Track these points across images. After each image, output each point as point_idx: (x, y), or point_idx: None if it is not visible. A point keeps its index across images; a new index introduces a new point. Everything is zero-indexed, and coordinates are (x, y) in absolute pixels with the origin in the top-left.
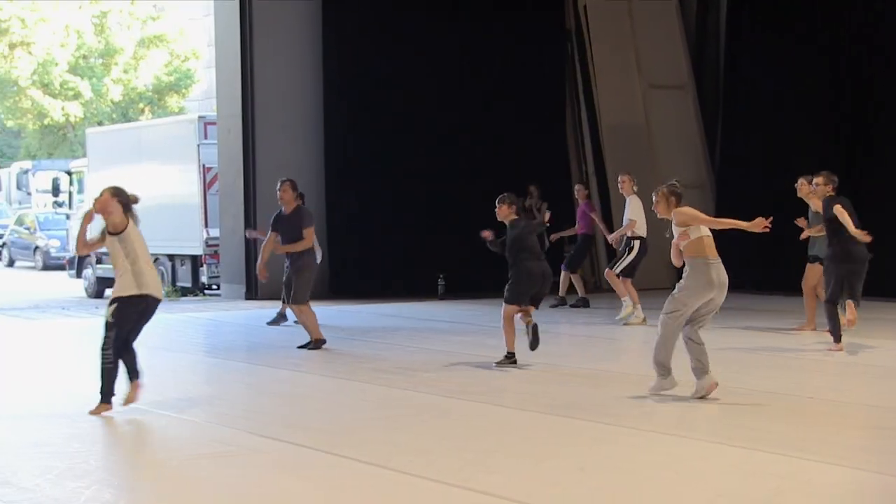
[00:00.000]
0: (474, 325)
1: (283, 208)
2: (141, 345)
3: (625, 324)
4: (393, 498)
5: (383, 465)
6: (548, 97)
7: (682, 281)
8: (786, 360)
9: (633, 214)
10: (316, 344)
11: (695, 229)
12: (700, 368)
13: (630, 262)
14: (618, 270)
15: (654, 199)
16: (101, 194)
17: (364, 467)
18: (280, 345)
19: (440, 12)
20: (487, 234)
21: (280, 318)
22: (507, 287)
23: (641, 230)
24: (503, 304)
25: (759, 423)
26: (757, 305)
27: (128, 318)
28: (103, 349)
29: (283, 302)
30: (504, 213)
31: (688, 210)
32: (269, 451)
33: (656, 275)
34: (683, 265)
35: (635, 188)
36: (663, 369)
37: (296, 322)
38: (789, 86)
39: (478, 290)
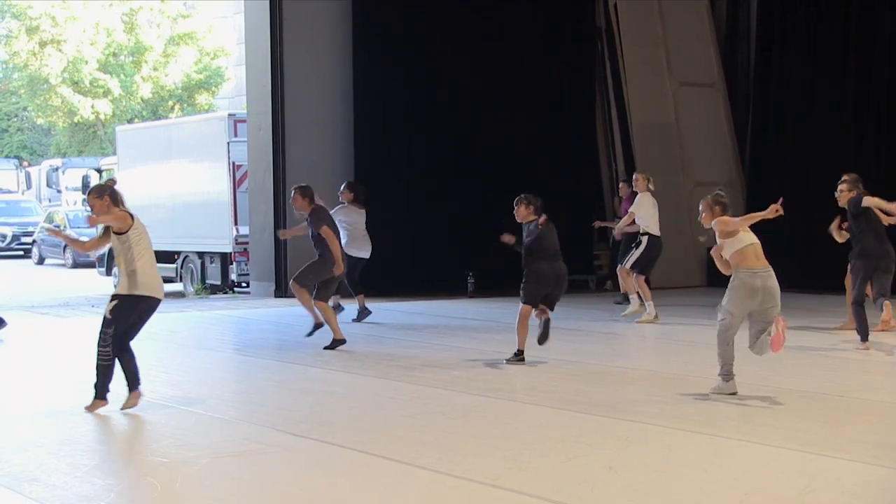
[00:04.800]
0: (504, 322)
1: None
2: (171, 342)
3: (637, 322)
4: (421, 495)
5: (412, 462)
6: (578, 95)
7: (727, 290)
8: (817, 358)
9: (636, 208)
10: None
11: (735, 241)
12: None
13: (639, 258)
14: (629, 265)
15: (700, 208)
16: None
17: (393, 465)
18: (309, 343)
19: (471, 10)
20: (508, 238)
21: (364, 312)
22: (521, 287)
23: (652, 227)
24: (520, 303)
25: (790, 421)
26: (788, 303)
27: (126, 317)
28: (101, 345)
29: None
30: (522, 214)
31: (725, 219)
32: (298, 448)
33: (691, 274)
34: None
35: (651, 187)
36: (724, 373)
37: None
38: (820, 84)
39: (507, 288)
